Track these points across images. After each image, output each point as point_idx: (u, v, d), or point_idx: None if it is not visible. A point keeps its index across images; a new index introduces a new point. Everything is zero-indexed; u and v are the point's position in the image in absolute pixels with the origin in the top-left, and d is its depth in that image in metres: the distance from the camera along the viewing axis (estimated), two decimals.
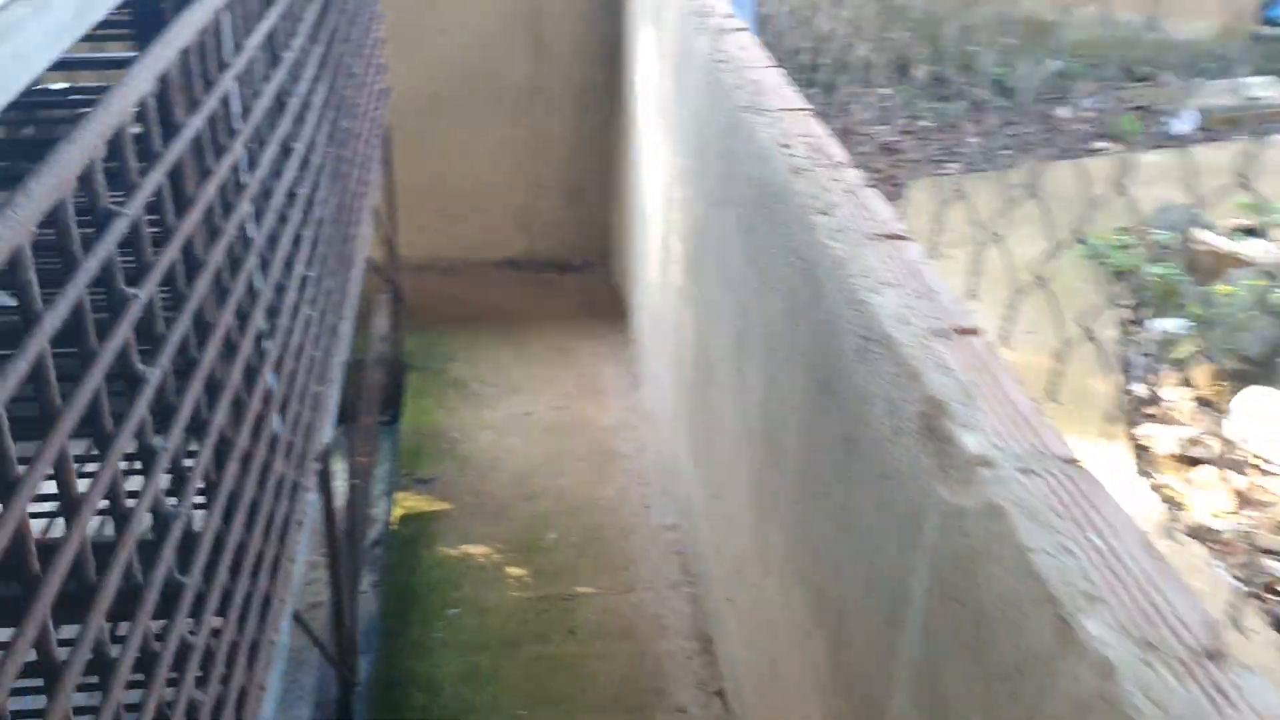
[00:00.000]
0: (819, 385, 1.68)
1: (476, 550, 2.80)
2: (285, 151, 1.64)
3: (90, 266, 0.87)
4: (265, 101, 1.47)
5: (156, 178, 1.02)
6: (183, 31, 1.12)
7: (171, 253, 1.07)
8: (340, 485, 2.52)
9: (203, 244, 1.20)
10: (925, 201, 4.99)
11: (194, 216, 1.14)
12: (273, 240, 1.54)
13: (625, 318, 3.88)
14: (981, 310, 1.76)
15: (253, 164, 1.43)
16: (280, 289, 1.59)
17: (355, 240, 2.61)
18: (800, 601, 1.83)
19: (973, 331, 1.45)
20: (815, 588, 1.75)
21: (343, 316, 2.18)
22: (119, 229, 0.93)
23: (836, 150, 1.99)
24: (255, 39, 1.42)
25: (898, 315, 1.46)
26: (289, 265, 1.64)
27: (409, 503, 2.97)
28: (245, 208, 1.36)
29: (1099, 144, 6.57)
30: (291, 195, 1.67)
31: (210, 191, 1.20)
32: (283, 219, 1.60)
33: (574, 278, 4.19)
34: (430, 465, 3.12)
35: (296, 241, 1.69)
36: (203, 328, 1.19)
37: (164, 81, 1.07)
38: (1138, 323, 4.36)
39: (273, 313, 1.54)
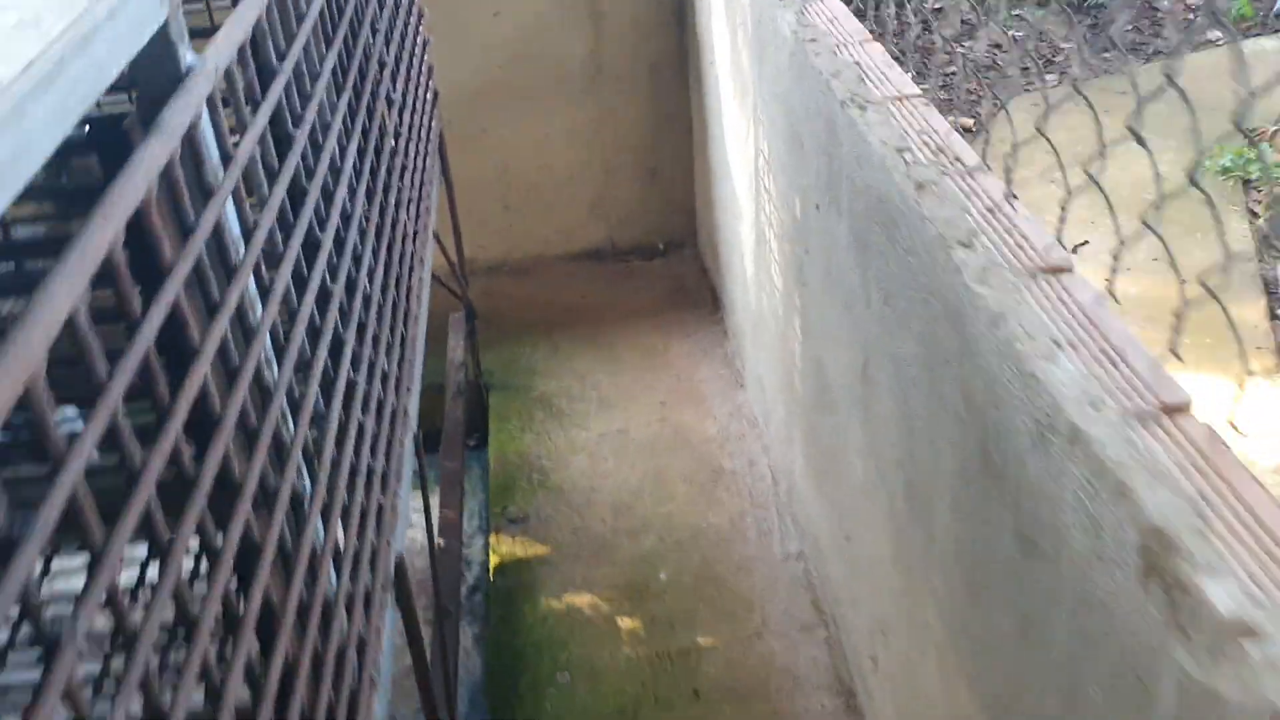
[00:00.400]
0: (979, 462, 1.37)
1: (581, 600, 2.54)
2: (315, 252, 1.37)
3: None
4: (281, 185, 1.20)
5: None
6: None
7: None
8: (423, 528, 2.29)
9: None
10: (1024, 123, 4.55)
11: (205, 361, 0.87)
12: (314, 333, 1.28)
13: (719, 305, 3.57)
14: (1098, 237, 1.44)
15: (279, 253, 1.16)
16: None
17: (416, 290, 2.34)
18: (968, 701, 1.54)
19: (1185, 409, 1.13)
20: (990, 696, 1.45)
21: (410, 389, 1.92)
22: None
23: (965, 149, 1.65)
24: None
25: (1084, 395, 1.14)
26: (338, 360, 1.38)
27: (504, 548, 2.72)
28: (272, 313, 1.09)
29: (1212, 35, 6.03)
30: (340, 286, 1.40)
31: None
32: (333, 319, 1.34)
33: (659, 263, 3.89)
34: (522, 501, 2.87)
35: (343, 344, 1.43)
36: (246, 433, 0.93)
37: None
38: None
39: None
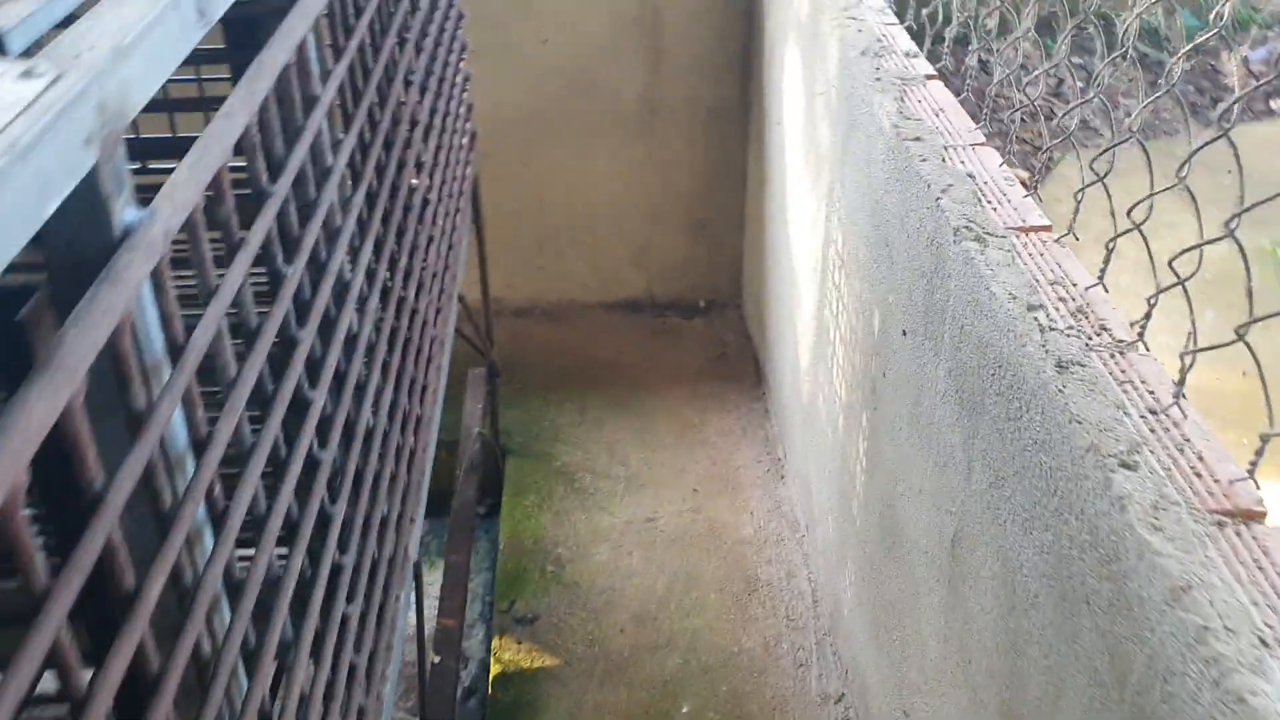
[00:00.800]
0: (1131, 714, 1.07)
1: None
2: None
3: None
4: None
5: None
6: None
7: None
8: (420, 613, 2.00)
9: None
10: (1078, 180, 4.22)
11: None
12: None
13: (761, 380, 3.27)
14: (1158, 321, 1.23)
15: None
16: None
17: (437, 361, 2.05)
18: None
19: None
20: None
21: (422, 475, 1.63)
22: None
23: (1110, 314, 1.35)
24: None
25: None
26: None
27: (508, 654, 2.43)
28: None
29: (1275, 104, 5.73)
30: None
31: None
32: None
33: (700, 322, 3.59)
34: (532, 596, 2.57)
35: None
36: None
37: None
38: None
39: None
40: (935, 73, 2.03)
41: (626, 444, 3.05)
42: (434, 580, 2.57)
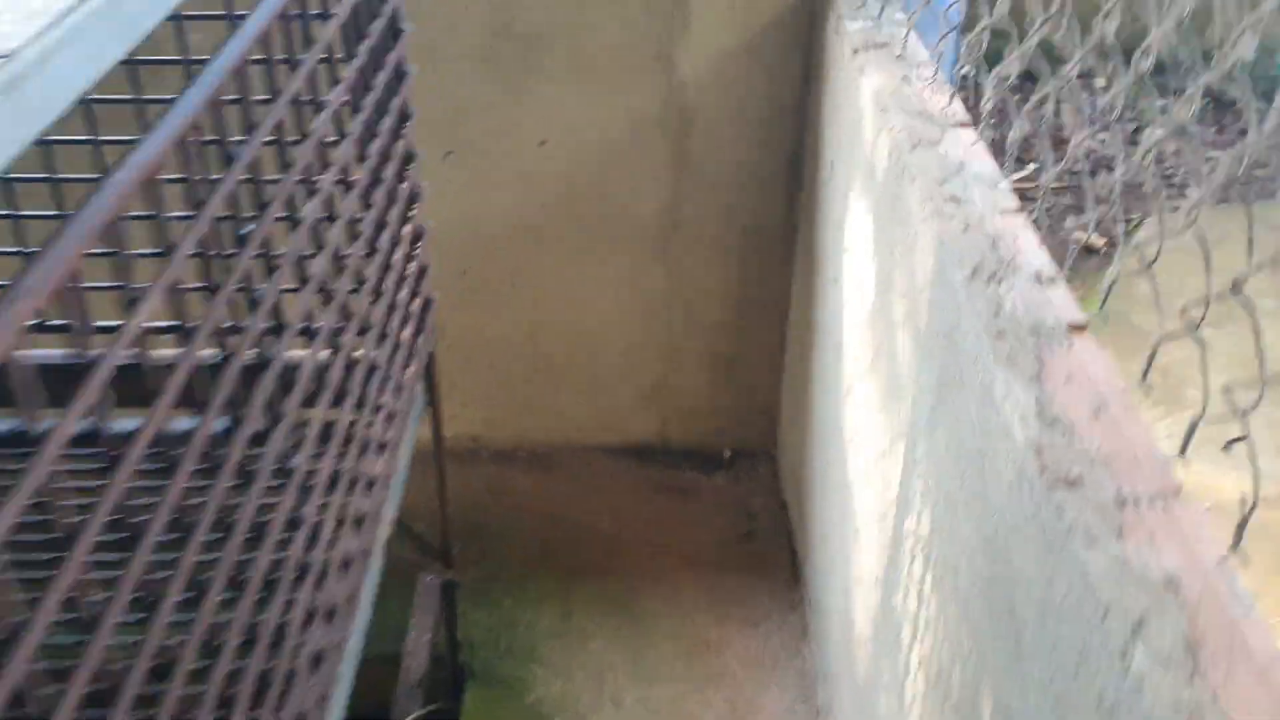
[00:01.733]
0: None
1: None
2: None
3: None
4: None
5: None
6: None
7: None
8: None
9: None
10: (1155, 247, 3.46)
11: None
12: None
13: (798, 578, 2.60)
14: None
15: None
16: None
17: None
18: None
19: None
20: None
21: None
22: None
23: None
24: None
25: None
26: None
27: None
28: None
29: None
30: None
31: None
32: None
33: (723, 480, 2.92)
34: None
35: None
36: None
37: None
38: None
39: None
40: (1081, 320, 1.34)
41: (620, 672, 2.39)
42: None
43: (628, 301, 2.79)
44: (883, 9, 2.17)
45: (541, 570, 2.63)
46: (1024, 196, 2.01)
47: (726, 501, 2.86)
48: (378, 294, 1.72)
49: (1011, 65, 1.57)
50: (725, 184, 2.62)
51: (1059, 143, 4.78)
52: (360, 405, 1.60)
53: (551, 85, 2.49)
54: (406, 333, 1.89)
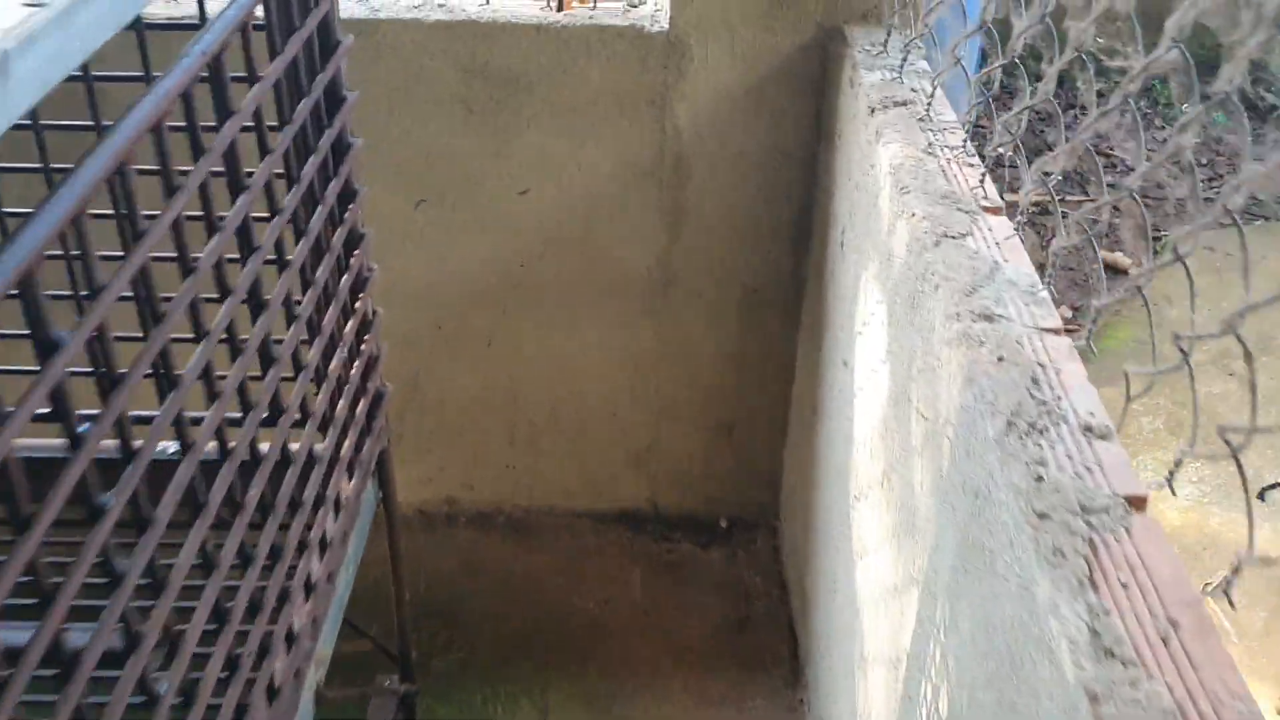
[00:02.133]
0: None
1: None
2: None
3: None
4: None
5: None
6: None
7: None
8: None
9: None
10: (1194, 271, 3.18)
11: None
12: None
13: (799, 673, 2.36)
14: None
15: None
16: None
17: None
18: None
19: None
20: None
21: None
22: None
23: None
24: None
25: None
26: None
27: None
28: None
29: None
30: None
31: None
32: None
33: (719, 555, 2.68)
34: None
35: None
36: None
37: None
38: None
39: None
40: (1141, 492, 1.09)
41: None
42: None
43: (616, 360, 2.54)
44: (905, 58, 1.91)
45: (517, 658, 2.40)
46: (1044, 210, 1.76)
47: (722, 580, 2.61)
48: (317, 386, 1.48)
49: (1058, 159, 1.32)
50: (724, 238, 2.37)
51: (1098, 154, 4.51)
52: (293, 512, 1.36)
53: (533, 130, 2.24)
54: (353, 429, 1.65)
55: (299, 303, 1.33)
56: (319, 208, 1.42)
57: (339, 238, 1.51)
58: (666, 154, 2.27)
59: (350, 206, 1.55)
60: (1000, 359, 1.25)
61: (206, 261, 1.00)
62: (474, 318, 2.47)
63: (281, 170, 1.32)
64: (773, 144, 2.25)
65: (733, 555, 2.67)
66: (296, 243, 1.34)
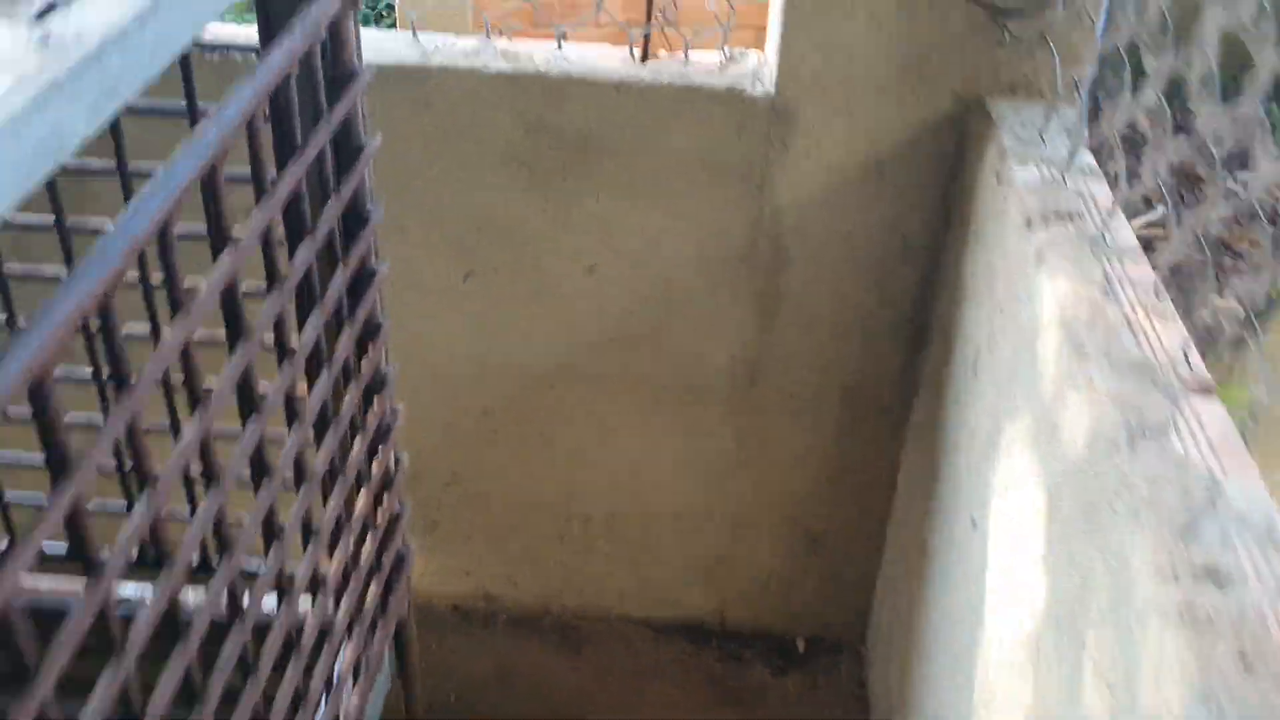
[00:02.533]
0: None
1: None
2: None
3: None
4: None
5: None
6: None
7: None
8: None
9: None
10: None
11: None
12: None
13: None
14: None
15: None
16: None
17: None
18: None
19: None
20: None
21: None
22: None
23: None
24: None
25: None
26: None
27: None
28: None
29: None
30: None
31: None
32: None
33: (795, 684, 2.32)
34: None
35: None
36: None
37: None
38: None
39: None
40: None
41: None
42: None
43: (688, 461, 2.19)
44: (1074, 153, 1.53)
45: None
46: (1148, 246, 1.40)
47: (798, 715, 2.26)
48: (331, 547, 1.16)
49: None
50: (825, 332, 2.01)
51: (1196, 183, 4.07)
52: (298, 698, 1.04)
53: (605, 200, 1.90)
54: (370, 592, 1.32)
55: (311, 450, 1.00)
56: (341, 337, 1.09)
57: (361, 377, 1.17)
58: (762, 235, 1.91)
59: (376, 339, 1.21)
60: (1245, 664, 0.88)
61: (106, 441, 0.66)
62: (526, 406, 2.14)
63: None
64: (889, 230, 1.88)
65: (812, 684, 2.31)
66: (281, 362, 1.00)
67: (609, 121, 1.82)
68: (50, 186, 1.21)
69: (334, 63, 1.03)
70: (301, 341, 1.03)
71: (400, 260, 1.95)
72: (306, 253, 1.00)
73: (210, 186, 0.77)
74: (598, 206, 1.90)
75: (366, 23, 5.21)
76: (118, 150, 1.19)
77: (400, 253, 1.93)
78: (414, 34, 1.84)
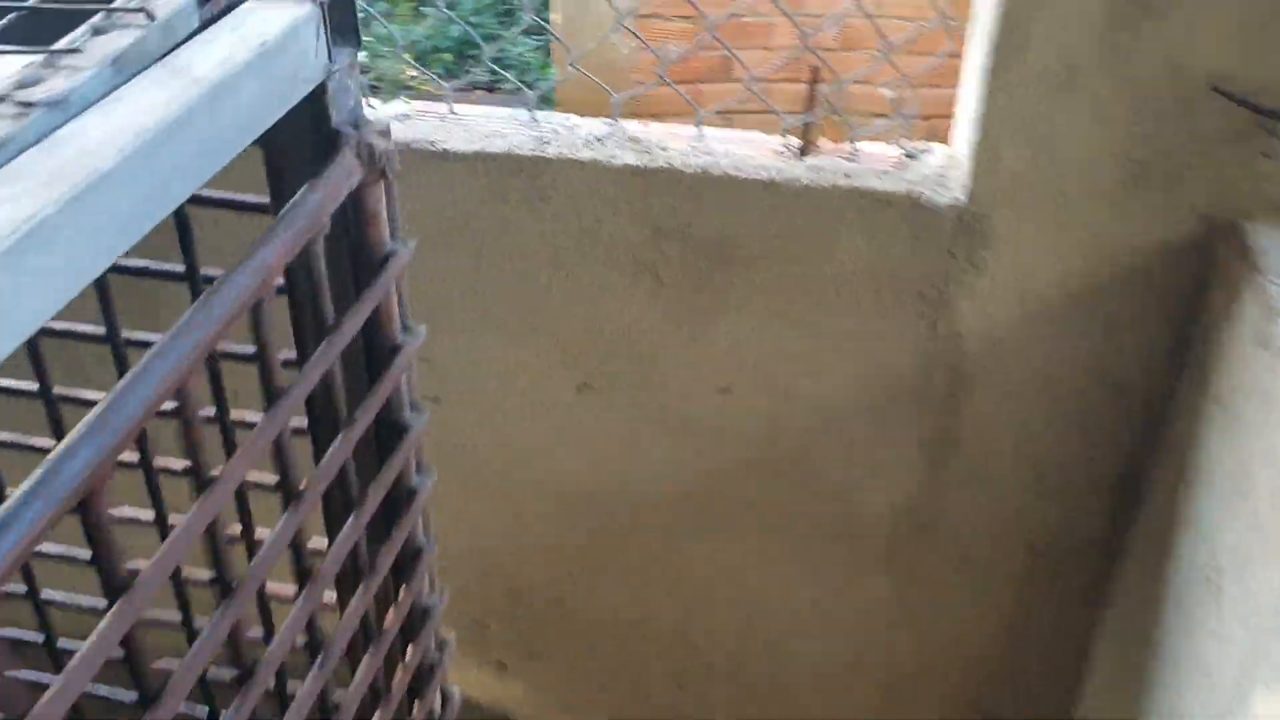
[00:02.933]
0: None
1: None
2: None
3: None
4: None
5: None
6: None
7: None
8: None
9: None
10: None
11: None
12: None
13: None
14: None
15: None
16: None
17: None
18: None
19: None
20: None
21: None
22: None
23: None
24: None
25: None
26: None
27: None
28: None
29: None
30: None
31: None
32: None
33: None
34: None
35: None
36: None
37: None
38: None
39: None
40: None
41: None
42: None
43: (833, 615, 1.85)
44: None
45: None
46: None
47: None
48: None
49: None
50: (1009, 483, 1.64)
51: None
52: None
53: (746, 315, 1.57)
54: None
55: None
56: (379, 560, 0.80)
57: (402, 606, 0.89)
58: (938, 365, 1.56)
59: (418, 564, 0.92)
60: None
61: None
62: (642, 535, 1.83)
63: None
64: (1098, 371, 1.51)
65: None
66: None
67: (757, 227, 1.49)
68: (33, 350, 0.96)
69: (359, 244, 0.74)
70: (322, 571, 0.75)
71: (503, 366, 1.68)
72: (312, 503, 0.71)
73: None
74: (736, 322, 1.58)
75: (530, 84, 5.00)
76: (107, 315, 0.93)
77: (504, 357, 1.66)
78: (531, 114, 1.55)
